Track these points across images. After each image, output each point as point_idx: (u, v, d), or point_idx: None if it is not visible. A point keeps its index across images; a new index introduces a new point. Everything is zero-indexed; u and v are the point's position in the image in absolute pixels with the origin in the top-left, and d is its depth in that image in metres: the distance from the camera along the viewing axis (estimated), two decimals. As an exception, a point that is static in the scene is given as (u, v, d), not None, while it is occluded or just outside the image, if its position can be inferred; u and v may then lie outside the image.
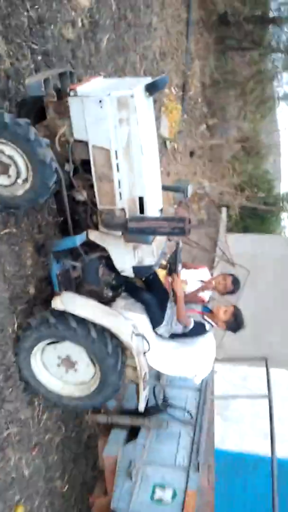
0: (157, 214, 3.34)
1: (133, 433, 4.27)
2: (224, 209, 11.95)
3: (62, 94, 3.09)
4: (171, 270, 3.74)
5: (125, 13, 5.52)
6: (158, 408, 4.21)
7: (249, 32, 12.57)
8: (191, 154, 11.11)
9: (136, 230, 3.09)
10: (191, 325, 3.85)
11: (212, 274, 4.94)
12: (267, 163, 14.96)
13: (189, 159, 10.72)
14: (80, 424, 4.65)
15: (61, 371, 3.67)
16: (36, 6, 3.51)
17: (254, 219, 13.53)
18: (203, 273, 4.69)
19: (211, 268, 8.55)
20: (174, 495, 3.87)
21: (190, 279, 4.46)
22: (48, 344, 3.59)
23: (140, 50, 6.31)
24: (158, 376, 4.51)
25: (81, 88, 2.88)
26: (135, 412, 4.07)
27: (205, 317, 4.01)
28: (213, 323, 3.97)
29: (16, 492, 3.60)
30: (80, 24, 4.21)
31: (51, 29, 3.72)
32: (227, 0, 10.55)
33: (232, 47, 13.04)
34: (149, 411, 4.20)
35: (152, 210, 3.21)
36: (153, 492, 3.90)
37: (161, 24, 7.49)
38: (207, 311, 4.10)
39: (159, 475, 3.97)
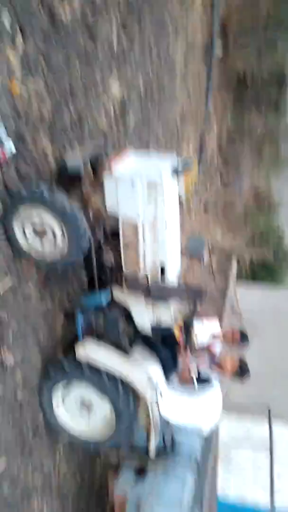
0: (175, 277, 3.65)
1: (142, 472, 4.48)
2: (234, 260, 12.29)
3: (96, 169, 3.47)
4: (186, 339, 3.97)
5: (151, 93, 6.12)
6: (165, 451, 4.36)
7: (267, 93, 13.26)
8: (205, 206, 11.63)
9: (158, 297, 3.43)
10: (195, 388, 4.06)
11: (221, 326, 5.18)
12: (278, 218, 15.42)
13: (203, 215, 11.21)
14: (93, 476, 4.87)
15: (81, 412, 3.93)
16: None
17: (264, 272, 13.81)
18: (214, 326, 4.85)
19: (220, 318, 8.77)
20: None
21: (202, 331, 4.61)
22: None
23: (163, 119, 6.91)
24: (167, 422, 4.71)
25: (116, 169, 3.22)
26: (143, 452, 4.24)
27: (213, 370, 4.22)
28: (220, 375, 4.17)
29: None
30: (112, 112, 4.71)
31: (88, 122, 4.20)
32: (246, 61, 11.24)
33: (249, 107, 13.74)
34: (157, 453, 4.33)
35: (172, 275, 3.55)
36: None
37: (183, 91, 8.15)
38: (216, 362, 4.31)
39: None
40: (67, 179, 3.41)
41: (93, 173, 3.45)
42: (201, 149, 10.22)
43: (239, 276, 12.84)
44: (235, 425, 6.86)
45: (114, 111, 4.84)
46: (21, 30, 3.16)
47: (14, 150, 3.02)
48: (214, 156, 11.66)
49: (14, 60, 3.15)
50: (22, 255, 3.30)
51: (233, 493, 6.16)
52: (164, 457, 4.38)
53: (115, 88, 4.78)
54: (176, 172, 3.34)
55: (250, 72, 11.49)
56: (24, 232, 3.21)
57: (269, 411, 5.45)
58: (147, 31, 5.70)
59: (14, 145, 2.95)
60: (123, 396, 3.67)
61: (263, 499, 5.32)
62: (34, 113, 3.41)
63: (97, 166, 3.42)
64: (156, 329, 3.71)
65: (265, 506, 5.12)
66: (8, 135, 2.97)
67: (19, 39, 3.16)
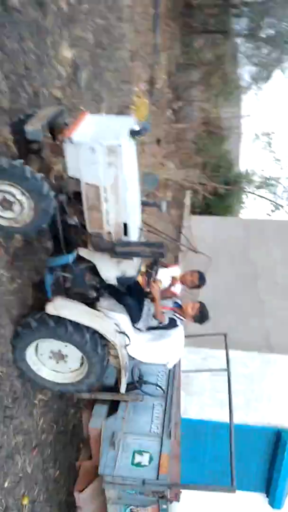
0: (137, 232, 3.89)
1: (113, 406, 4.87)
2: (188, 192, 12.74)
3: (54, 131, 3.56)
4: (150, 276, 4.32)
5: (101, 41, 6.01)
6: (134, 384, 4.65)
7: (213, 16, 12.93)
8: (158, 141, 11.72)
9: (122, 253, 3.63)
10: (166, 321, 4.43)
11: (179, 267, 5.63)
12: (228, 144, 15.72)
13: (157, 147, 11.34)
14: (67, 419, 5.40)
15: (53, 362, 4.22)
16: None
17: (217, 201, 14.41)
18: (175, 271, 5.29)
19: (176, 257, 9.42)
20: (150, 459, 4.47)
21: (164, 276, 4.97)
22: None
23: (114, 64, 6.83)
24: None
25: (75, 136, 3.31)
26: (114, 389, 4.62)
27: (176, 312, 4.58)
28: (182, 318, 4.55)
29: (22, 487, 4.34)
30: (65, 75, 4.75)
31: (42, 90, 4.25)
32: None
33: (197, 31, 13.38)
34: (127, 387, 4.62)
35: (134, 231, 3.77)
36: (133, 457, 4.50)
37: (130, 27, 7.91)
38: (178, 306, 4.68)
39: (137, 443, 4.57)
40: (26, 147, 3.50)
41: (52, 138, 3.54)
42: (151, 81, 10.12)
43: (193, 208, 13.37)
44: (194, 352, 7.66)
45: (67, 73, 4.86)
46: None
47: None
48: (164, 89, 11.54)
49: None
50: None
51: (194, 414, 7.21)
52: (133, 390, 4.68)
53: (66, 51, 4.76)
54: (133, 134, 3.48)
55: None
56: None
57: (225, 337, 6.13)
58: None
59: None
60: (91, 346, 3.94)
61: (220, 416, 6.25)
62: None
63: (55, 131, 3.52)
64: (122, 280, 3.91)
65: (222, 421, 5.95)
66: None
67: None
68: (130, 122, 3.50)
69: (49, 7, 4.26)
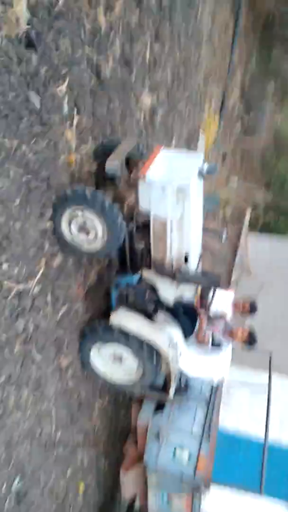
0: (196, 265, 4.36)
1: (160, 404, 5.57)
2: (248, 209, 12.96)
3: (130, 163, 3.95)
4: (204, 304, 4.74)
5: (178, 76, 6.53)
6: (180, 390, 5.26)
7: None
8: (224, 157, 12.07)
9: (181, 280, 4.16)
10: (209, 346, 4.84)
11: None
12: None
13: (221, 165, 11.67)
14: (118, 418, 6.29)
15: (113, 363, 4.82)
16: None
17: (278, 217, 14.41)
18: (229, 296, 5.52)
19: (229, 277, 9.70)
20: (190, 456, 5.19)
21: (217, 302, 5.17)
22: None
23: (188, 91, 7.32)
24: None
25: (149, 174, 3.70)
26: (162, 389, 5.16)
27: (226, 336, 4.97)
28: (231, 340, 4.93)
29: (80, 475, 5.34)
30: (142, 119, 5.43)
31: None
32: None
33: (276, 46, 13.43)
34: (174, 391, 5.11)
35: (194, 260, 4.25)
36: (174, 452, 5.24)
37: (208, 51, 8.37)
38: (228, 329, 5.05)
39: (179, 439, 5.29)
40: (105, 180, 3.96)
41: (128, 172, 3.94)
42: (223, 101, 10.48)
43: (253, 226, 13.52)
44: (237, 370, 8.05)
45: (144, 118, 5.44)
46: (76, 107, 3.79)
47: None
48: (236, 103, 11.84)
49: (71, 137, 3.82)
50: (69, 249, 3.93)
51: (230, 426, 7.55)
52: (179, 395, 5.25)
53: (146, 99, 5.33)
54: (201, 174, 3.87)
55: (278, 11, 11.16)
56: (70, 229, 3.78)
57: (270, 360, 6.36)
58: (176, 25, 5.99)
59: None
60: (147, 354, 4.48)
61: (256, 433, 6.54)
62: (84, 175, 4.12)
63: (130, 163, 3.96)
64: (178, 301, 4.51)
65: (257, 438, 6.29)
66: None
67: (75, 118, 3.79)
68: (199, 160, 3.93)
69: (135, 61, 4.95)
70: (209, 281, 4.23)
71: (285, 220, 15.22)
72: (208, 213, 9.13)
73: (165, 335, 4.54)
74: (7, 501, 3.87)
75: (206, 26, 8.10)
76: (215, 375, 5.08)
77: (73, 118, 3.78)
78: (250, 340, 4.94)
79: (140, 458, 5.36)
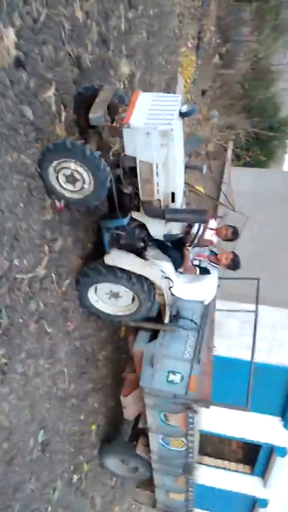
0: (181, 202, 4.56)
1: (154, 334, 5.84)
2: (230, 143, 13.11)
3: (112, 111, 4.07)
4: (187, 241, 5.26)
5: (153, 29, 6.53)
6: (172, 318, 5.60)
7: None
8: (203, 92, 12.04)
9: (171, 219, 4.40)
10: (197, 273, 5.38)
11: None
12: (277, 87, 15.50)
13: (202, 100, 11.67)
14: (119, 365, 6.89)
15: (111, 300, 5.23)
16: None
17: (258, 145, 14.60)
18: (212, 223, 5.77)
19: (215, 213, 10.23)
20: (182, 378, 5.47)
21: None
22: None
23: (164, 42, 7.32)
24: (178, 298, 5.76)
25: (132, 121, 3.78)
26: (156, 320, 5.60)
27: (212, 262, 5.42)
28: (216, 265, 5.40)
29: (91, 417, 6.13)
30: (122, 86, 5.52)
31: None
32: None
33: None
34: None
35: (180, 198, 4.46)
36: (168, 376, 5.52)
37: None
38: (213, 254, 5.45)
39: (172, 364, 5.57)
40: (86, 123, 3.99)
41: (111, 121, 4.04)
42: (199, 35, 10.33)
43: (235, 158, 13.72)
44: (227, 303, 8.79)
45: (124, 85, 5.63)
46: (63, 104, 4.01)
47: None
48: (213, 37, 11.63)
49: (61, 130, 4.12)
50: (59, 198, 4.13)
51: (223, 352, 8.43)
52: (171, 323, 5.62)
53: (124, 68, 5.48)
54: (182, 115, 4.01)
55: None
56: (59, 182, 3.94)
57: (258, 281, 6.63)
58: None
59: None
60: (142, 288, 4.85)
61: (246, 356, 7.34)
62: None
63: (112, 110, 4.08)
64: (168, 237, 4.75)
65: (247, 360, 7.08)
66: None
67: (63, 113, 4.03)
68: (178, 103, 4.03)
69: (111, 37, 5.06)
70: (196, 217, 4.51)
71: (264, 148, 15.45)
72: (190, 153, 9.40)
73: (156, 268, 4.94)
74: (35, 451, 4.67)
75: None
76: (207, 296, 5.61)
77: (61, 114, 4.05)
78: (234, 264, 5.36)
79: (138, 383, 5.69)
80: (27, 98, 3.40)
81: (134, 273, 4.81)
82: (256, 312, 6.37)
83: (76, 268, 4.98)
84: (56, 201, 4.27)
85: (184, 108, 3.99)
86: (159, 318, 5.55)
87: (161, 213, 4.33)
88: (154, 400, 5.66)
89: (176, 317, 5.66)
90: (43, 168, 3.82)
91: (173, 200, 4.38)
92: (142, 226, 4.76)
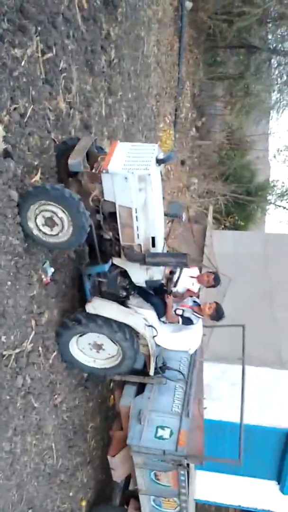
0: (162, 246, 4.52)
1: (140, 387, 5.66)
2: (210, 207, 13.60)
3: (90, 158, 4.13)
4: (168, 289, 5.06)
5: (132, 110, 7.02)
6: (159, 370, 5.37)
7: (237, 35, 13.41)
8: (182, 162, 12.65)
9: (152, 263, 4.33)
10: (180, 323, 5.18)
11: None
12: (251, 155, 16.40)
13: (182, 170, 12.25)
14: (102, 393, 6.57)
15: (93, 351, 5.07)
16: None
17: (238, 209, 15.17)
18: (194, 271, 5.73)
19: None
20: (171, 433, 5.26)
21: (184, 279, 5.44)
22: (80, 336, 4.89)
23: (143, 121, 7.84)
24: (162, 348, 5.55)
25: (110, 166, 3.89)
26: (142, 372, 5.42)
27: (195, 312, 5.26)
28: (200, 315, 5.25)
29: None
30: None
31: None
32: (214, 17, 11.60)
33: (218, 47, 13.94)
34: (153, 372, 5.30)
35: (160, 242, 4.44)
36: (156, 431, 5.30)
37: (155, 75, 8.87)
38: (197, 305, 5.33)
39: (160, 419, 5.37)
40: (66, 172, 4.12)
41: (90, 168, 4.13)
42: (176, 112, 11.02)
43: (217, 222, 14.17)
44: (214, 366, 8.74)
45: None
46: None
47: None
48: (189, 112, 12.44)
49: None
50: (39, 243, 4.03)
51: (214, 416, 8.25)
52: (158, 375, 5.41)
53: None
54: (159, 162, 4.10)
55: (215, 23, 11.73)
56: (37, 226, 3.89)
57: (243, 328, 6.53)
58: (125, 72, 6.48)
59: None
60: (127, 335, 4.69)
61: (237, 418, 7.22)
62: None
63: (91, 158, 4.17)
64: (150, 283, 4.68)
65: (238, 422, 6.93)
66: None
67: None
68: (156, 150, 4.13)
69: (93, 122, 5.30)
70: (177, 261, 4.37)
71: (244, 212, 16.02)
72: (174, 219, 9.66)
73: (140, 317, 4.84)
74: (23, 532, 4.44)
75: (153, 55, 8.60)
76: (191, 345, 5.39)
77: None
78: (218, 314, 5.24)
79: (126, 441, 5.42)
80: (14, 184, 3.61)
81: (115, 321, 4.69)
82: (243, 360, 6.22)
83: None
84: (43, 275, 4.39)
85: (161, 155, 4.10)
86: (145, 370, 5.37)
87: (142, 258, 4.29)
88: (143, 458, 5.41)
89: (162, 368, 5.47)
90: (23, 211, 3.77)
91: (153, 245, 4.36)
92: (124, 273, 4.72)
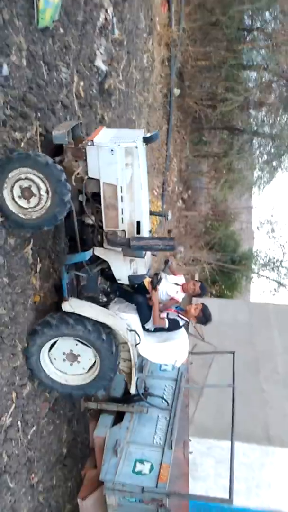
0: (147, 232, 4.17)
1: (118, 418, 5.07)
2: (196, 274, 13.75)
3: (75, 141, 3.94)
4: (154, 283, 4.71)
5: None
6: (140, 396, 4.90)
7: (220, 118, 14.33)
8: (169, 232, 12.98)
9: (137, 247, 3.93)
10: (166, 325, 4.83)
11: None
12: (235, 226, 16.95)
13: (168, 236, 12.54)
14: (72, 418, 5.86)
15: (66, 364, 4.50)
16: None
17: (223, 276, 15.40)
18: (179, 279, 5.43)
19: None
20: (151, 468, 4.60)
21: (170, 281, 5.25)
22: (50, 347, 4.38)
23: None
24: (141, 369, 5.16)
25: (96, 139, 3.72)
26: (120, 400, 5.02)
27: (180, 315, 4.95)
28: (186, 319, 4.90)
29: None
30: None
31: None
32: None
33: (205, 128, 14.87)
34: (132, 399, 4.94)
35: (145, 231, 4.09)
36: (135, 466, 4.63)
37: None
38: (181, 310, 5.05)
39: (140, 452, 4.73)
40: (51, 151, 3.92)
41: (74, 145, 3.91)
42: (163, 186, 11.47)
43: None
44: (200, 442, 8.42)
45: None
46: (38, 256, 4.32)
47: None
48: (176, 186, 12.95)
49: (36, 280, 4.35)
50: (11, 218, 3.69)
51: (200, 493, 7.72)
52: (138, 402, 4.95)
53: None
54: (146, 141, 3.90)
55: (202, 109, 12.58)
56: (13, 197, 3.62)
57: (233, 355, 6.43)
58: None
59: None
60: (103, 335, 4.23)
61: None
62: (48, 309, 4.48)
63: (76, 141, 3.98)
64: (133, 278, 4.26)
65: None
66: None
67: (38, 264, 4.27)
68: (141, 132, 4.09)
69: None
70: (164, 244, 3.97)
71: (228, 279, 16.23)
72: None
73: (122, 320, 4.49)
74: None
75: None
76: (178, 357, 4.89)
77: (36, 266, 4.33)
78: (204, 315, 4.95)
79: (99, 482, 4.69)
80: (6, 253, 3.71)
81: (89, 320, 4.26)
82: (233, 387, 5.96)
83: (41, 414, 4.81)
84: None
85: (148, 134, 3.98)
86: (124, 398, 4.96)
87: (126, 241, 3.94)
88: (118, 498, 4.65)
89: (144, 395, 4.98)
90: (1, 178, 3.56)
91: (138, 232, 4.04)
92: (105, 273, 4.46)
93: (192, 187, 15.68)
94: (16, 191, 3.59)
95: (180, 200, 14.60)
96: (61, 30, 4.68)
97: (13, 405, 4.10)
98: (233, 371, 6.23)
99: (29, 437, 4.51)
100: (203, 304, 4.97)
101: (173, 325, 4.86)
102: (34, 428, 4.59)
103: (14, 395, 4.13)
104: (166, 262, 5.46)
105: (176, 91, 12.43)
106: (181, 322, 4.90)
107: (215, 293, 14.82)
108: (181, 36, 11.22)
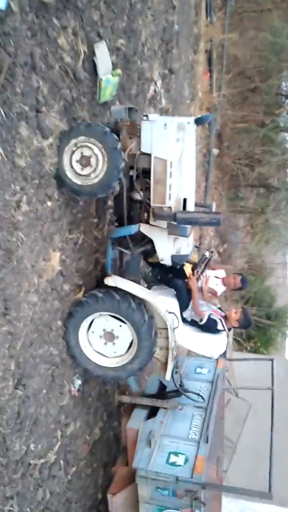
0: (193, 209, 4.23)
1: (152, 414, 5.03)
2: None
3: (130, 121, 4.21)
4: (193, 269, 4.81)
5: None
6: (174, 393, 4.91)
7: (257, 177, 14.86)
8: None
9: (183, 220, 3.99)
10: (205, 319, 4.77)
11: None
12: (271, 281, 17.01)
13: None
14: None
15: (101, 341, 4.49)
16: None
17: (258, 332, 15.33)
18: (220, 272, 5.49)
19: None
20: (186, 460, 4.53)
21: (210, 275, 5.25)
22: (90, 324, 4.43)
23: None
24: (176, 365, 5.06)
25: (151, 115, 4.01)
26: (154, 397, 5.03)
27: (222, 319, 4.90)
28: (227, 326, 4.87)
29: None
30: None
31: None
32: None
33: (241, 185, 15.43)
34: (168, 394, 4.96)
35: (191, 208, 4.19)
36: (168, 457, 4.58)
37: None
38: (223, 314, 4.98)
39: (174, 445, 4.67)
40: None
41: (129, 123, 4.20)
42: (200, 240, 11.92)
43: (236, 345, 14.28)
44: (233, 502, 8.22)
45: None
46: None
47: None
48: (212, 238, 13.36)
49: None
50: (67, 184, 3.90)
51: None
52: (174, 398, 4.94)
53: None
54: (197, 122, 4.09)
55: (240, 167, 13.18)
56: (71, 164, 3.85)
57: (272, 362, 6.28)
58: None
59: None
60: (145, 317, 4.26)
61: None
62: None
63: (132, 118, 4.25)
64: (176, 258, 4.30)
65: None
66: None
67: None
68: (194, 116, 4.27)
69: None
70: (210, 218, 4.05)
71: (264, 335, 16.10)
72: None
73: (163, 304, 4.52)
74: None
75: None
76: (214, 352, 4.91)
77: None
78: (245, 319, 4.96)
79: (131, 479, 4.66)
80: (60, 298, 4.14)
81: (135, 299, 4.33)
82: (272, 391, 5.86)
83: (81, 456, 5.00)
84: (72, 388, 4.61)
85: (199, 116, 4.22)
86: (159, 394, 4.97)
87: (173, 215, 4.03)
88: (150, 490, 4.52)
89: (178, 391, 4.90)
90: (63, 144, 3.80)
91: (184, 209, 4.17)
92: (147, 255, 4.56)
93: (228, 241, 16.08)
94: (76, 156, 3.86)
95: (216, 253, 14.97)
96: (117, 103, 5.36)
97: (58, 443, 4.36)
98: (272, 377, 6.04)
99: (69, 477, 4.72)
100: (243, 308, 5.08)
101: (211, 326, 4.86)
102: (74, 468, 4.80)
103: (59, 433, 4.40)
104: (208, 257, 5.19)
105: (215, 151, 13.20)
106: (219, 326, 4.87)
107: (249, 349, 14.73)
108: (221, 101, 12.10)
